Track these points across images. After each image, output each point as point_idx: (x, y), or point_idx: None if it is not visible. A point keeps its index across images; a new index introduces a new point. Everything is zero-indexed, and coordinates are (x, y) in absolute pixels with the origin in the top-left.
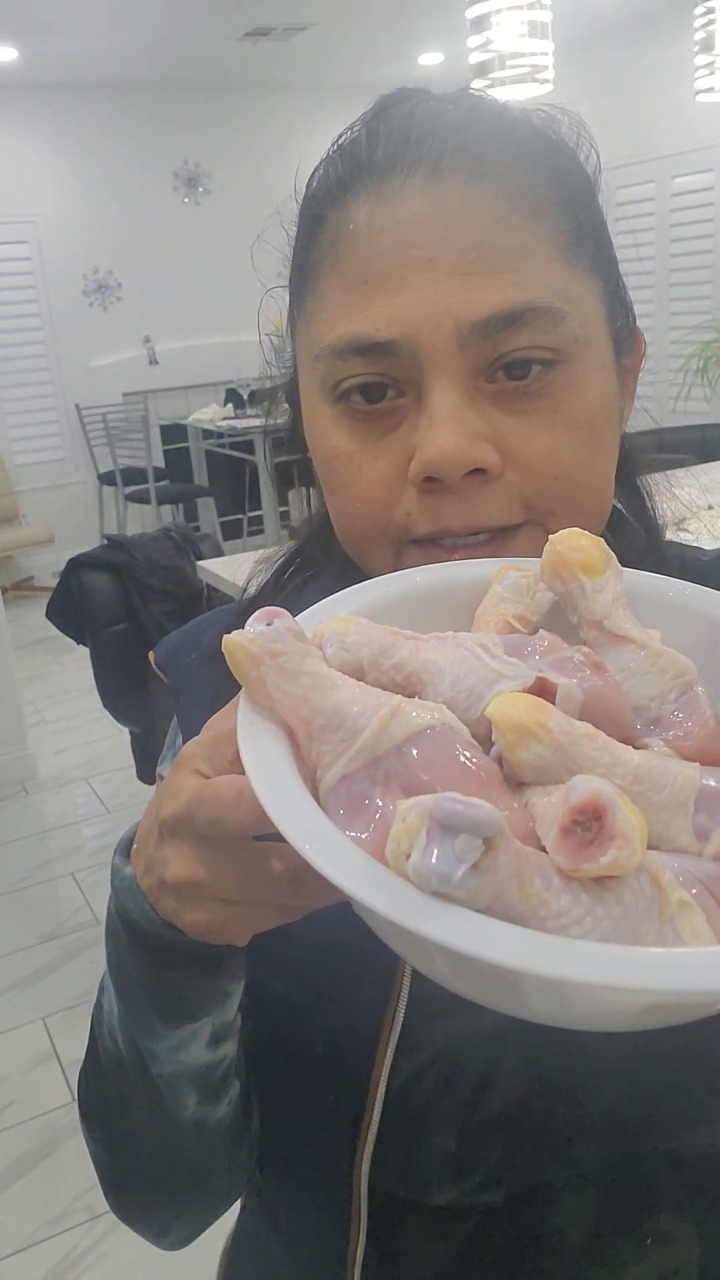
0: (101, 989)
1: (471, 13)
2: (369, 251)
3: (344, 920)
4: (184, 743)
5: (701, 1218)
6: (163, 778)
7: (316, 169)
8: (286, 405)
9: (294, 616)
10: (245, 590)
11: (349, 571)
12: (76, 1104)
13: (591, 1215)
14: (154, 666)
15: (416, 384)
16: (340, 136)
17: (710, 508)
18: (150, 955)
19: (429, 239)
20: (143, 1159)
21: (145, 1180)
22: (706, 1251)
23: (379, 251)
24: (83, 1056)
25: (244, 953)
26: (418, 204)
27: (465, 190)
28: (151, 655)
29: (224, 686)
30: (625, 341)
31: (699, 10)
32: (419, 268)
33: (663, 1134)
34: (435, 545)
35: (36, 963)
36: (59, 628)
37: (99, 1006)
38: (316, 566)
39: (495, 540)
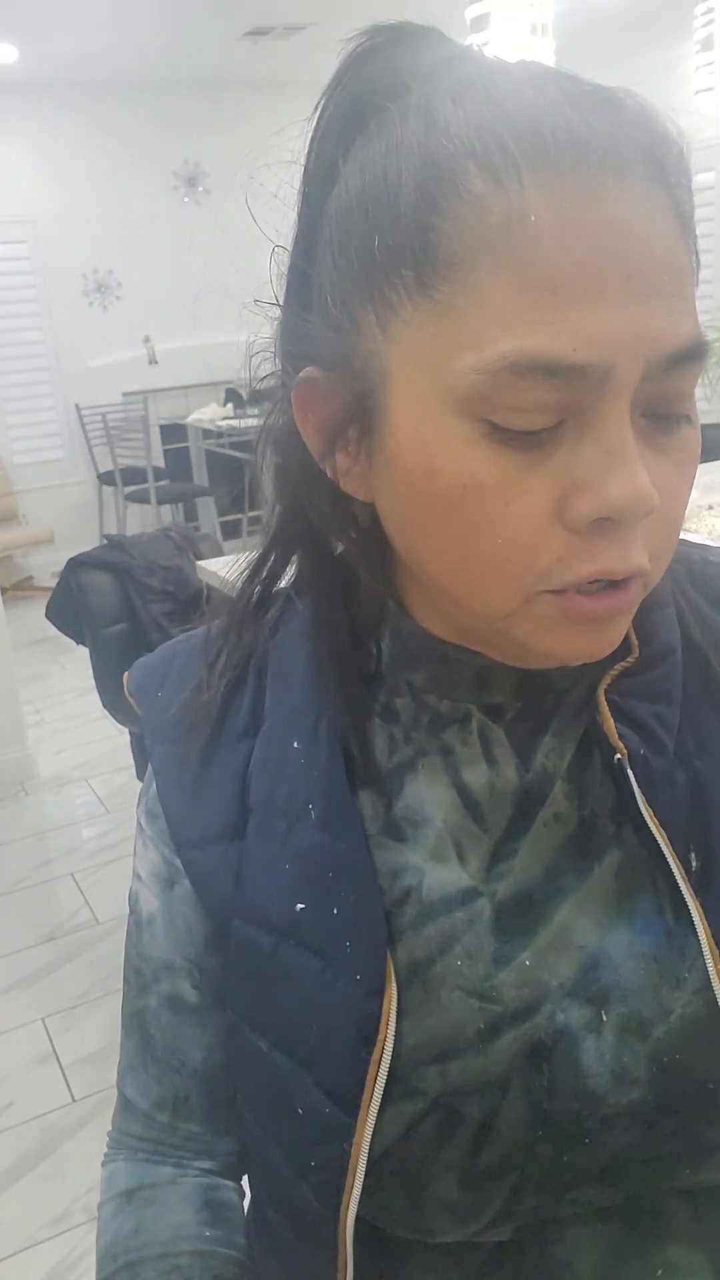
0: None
1: (471, 12)
2: (559, 253)
3: (318, 980)
4: (158, 790)
5: (713, 1248)
6: (139, 821)
7: (418, 93)
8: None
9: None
10: (206, 605)
11: (334, 590)
12: (102, 1205)
13: (601, 1248)
14: (128, 693)
15: (583, 410)
16: (445, 101)
17: (710, 508)
18: None
19: (628, 250)
20: None
21: None
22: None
23: (572, 256)
24: (81, 1055)
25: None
26: (612, 206)
27: (651, 199)
28: (125, 678)
29: (194, 733)
30: None
31: (699, 10)
32: (618, 282)
33: (673, 1174)
34: (574, 593)
35: (36, 963)
36: (58, 628)
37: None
38: (294, 584)
39: (622, 587)
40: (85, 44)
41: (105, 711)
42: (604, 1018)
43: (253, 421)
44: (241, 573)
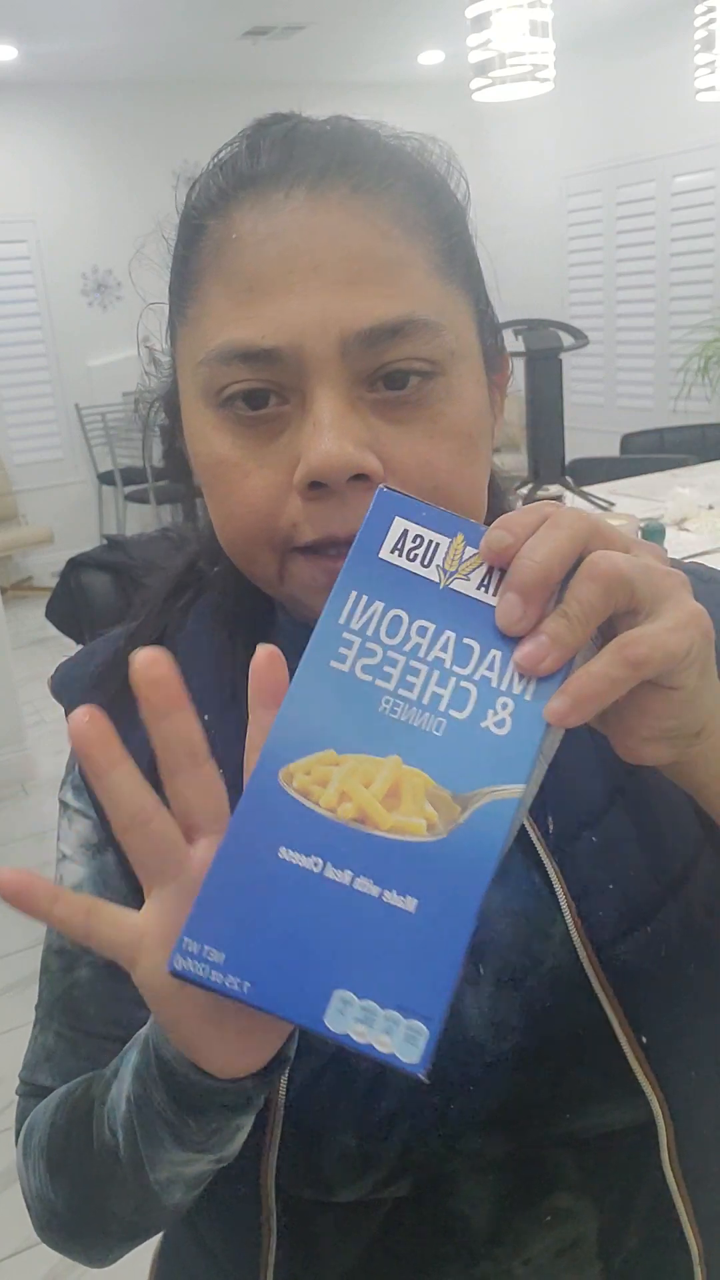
0: (114, 1074)
1: (471, 11)
2: (254, 259)
3: None
4: (79, 769)
5: (599, 1194)
6: (63, 803)
7: (196, 181)
8: (164, 415)
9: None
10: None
11: (236, 583)
12: (18, 1146)
13: (492, 1199)
14: (52, 693)
15: (300, 391)
16: (220, 151)
17: (711, 507)
18: (176, 1098)
19: (313, 248)
20: (108, 1226)
21: (101, 1234)
22: (605, 1222)
23: (264, 259)
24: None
25: (269, 1086)
26: (302, 214)
27: (347, 204)
28: (49, 682)
29: (110, 711)
30: (494, 360)
31: (699, 10)
32: (304, 276)
33: (556, 1120)
34: (320, 554)
35: (36, 964)
36: (58, 627)
37: (103, 1085)
38: (204, 581)
39: None
40: (85, 44)
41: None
42: (480, 971)
43: None
44: (169, 571)
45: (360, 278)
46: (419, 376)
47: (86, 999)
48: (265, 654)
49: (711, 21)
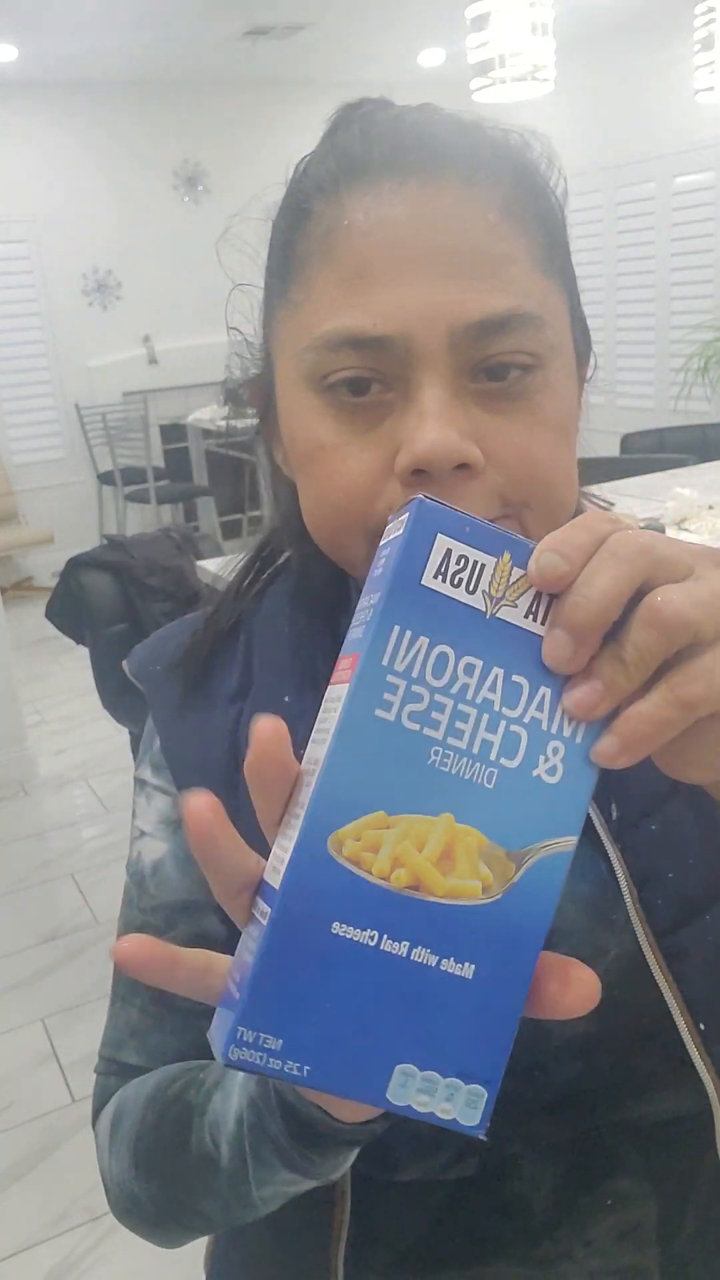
0: (216, 1085)
1: (472, 11)
2: (365, 247)
3: None
4: (160, 747)
5: (658, 1179)
6: (141, 781)
7: (302, 163)
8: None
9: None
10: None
11: (313, 567)
12: (100, 1125)
13: (553, 1182)
14: (129, 675)
15: (404, 380)
16: (329, 134)
17: (711, 507)
18: (296, 1135)
19: (425, 239)
20: (192, 1222)
21: (183, 1228)
22: (664, 1207)
23: (375, 247)
24: (80, 1055)
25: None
26: (414, 205)
27: (458, 196)
28: (125, 665)
29: (188, 693)
30: (584, 355)
31: (699, 10)
32: (415, 266)
33: (617, 1106)
34: None
35: (36, 963)
36: (58, 628)
37: (202, 1094)
38: (280, 564)
39: None
40: (85, 43)
41: (105, 711)
42: None
43: (252, 422)
44: (244, 557)
45: (469, 270)
46: (520, 370)
47: None
48: (271, 728)
49: (711, 21)
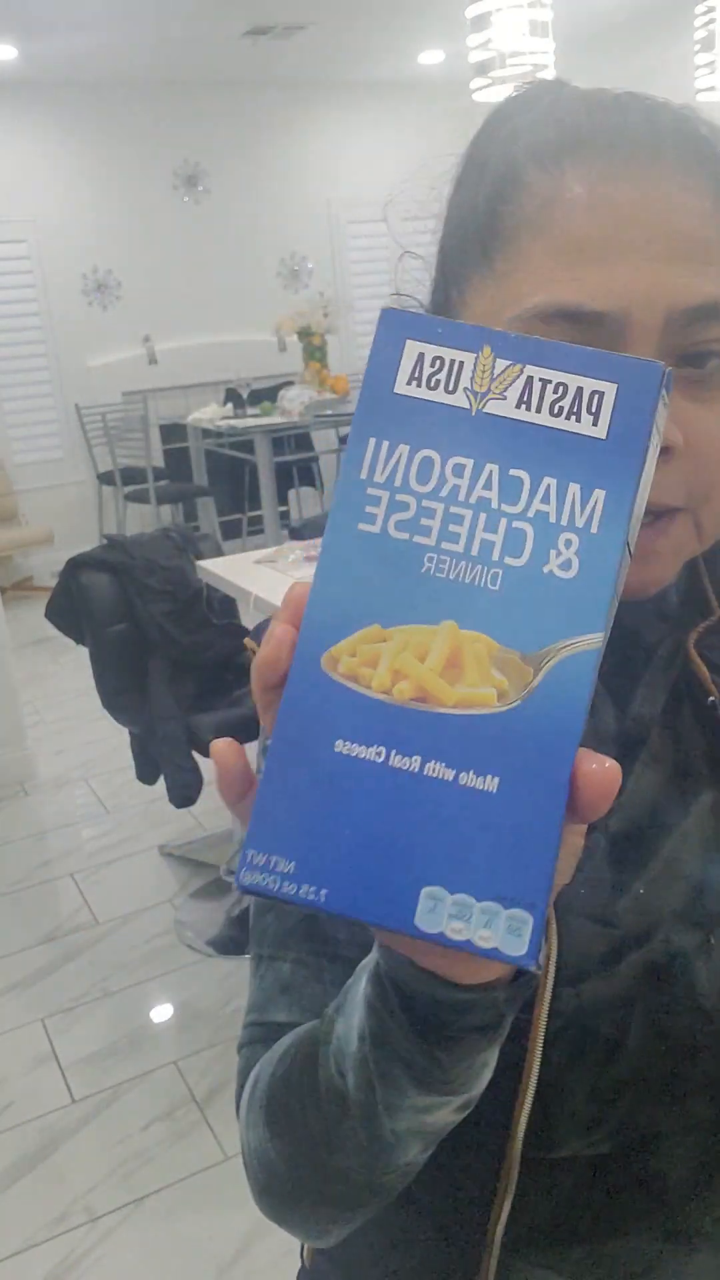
0: (337, 1011)
1: (472, 11)
2: (586, 222)
3: None
4: None
5: None
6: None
7: (506, 125)
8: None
9: None
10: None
11: None
12: (241, 1103)
13: (692, 1158)
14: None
15: None
16: (539, 100)
17: None
18: (420, 1029)
19: (646, 219)
20: (330, 1188)
21: (323, 1199)
22: None
23: (597, 223)
24: (80, 1055)
25: (521, 997)
26: (637, 185)
27: (680, 179)
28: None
29: None
30: None
31: (699, 10)
32: (635, 246)
33: None
34: None
35: (36, 963)
36: (58, 628)
37: (326, 1024)
38: None
39: (656, 523)
40: (85, 43)
41: (105, 712)
42: (711, 940)
43: (252, 421)
44: None
45: (687, 255)
46: (718, 358)
47: (330, 926)
48: (224, 746)
49: (711, 21)
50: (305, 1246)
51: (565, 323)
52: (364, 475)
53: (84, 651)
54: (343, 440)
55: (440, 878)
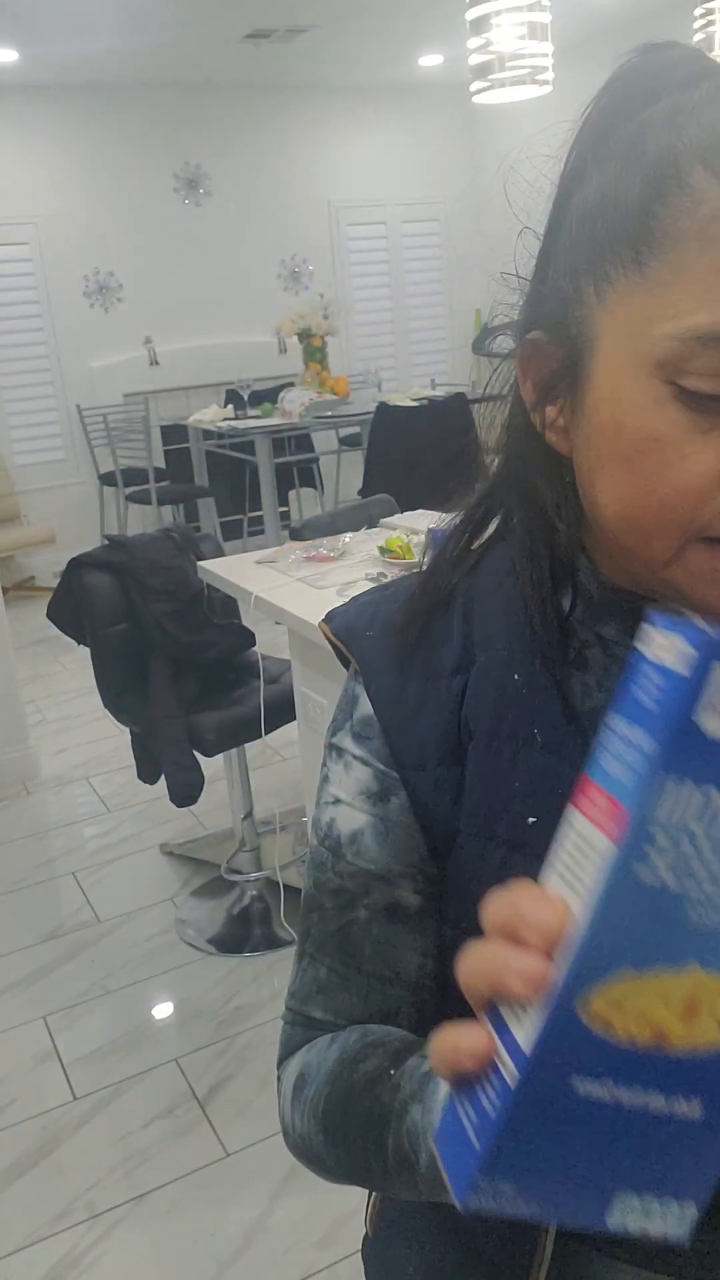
0: (415, 1095)
1: (471, 14)
2: None
3: None
4: (367, 716)
5: None
6: (339, 749)
7: (658, 103)
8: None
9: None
10: (422, 563)
11: (539, 541)
12: (284, 1074)
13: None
14: (330, 637)
15: None
16: (696, 78)
17: None
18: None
19: None
20: (374, 1187)
21: (361, 1186)
22: None
23: None
24: (82, 1053)
25: None
26: None
27: None
28: (325, 628)
29: (407, 665)
30: None
31: (699, 11)
32: None
33: None
34: None
35: (37, 962)
36: (60, 628)
37: (398, 1099)
38: (498, 531)
39: None
40: (87, 46)
41: (106, 711)
42: None
43: (253, 422)
44: (454, 519)
45: None
46: None
47: (362, 937)
48: (472, 1040)
49: (710, 24)
50: (370, 1215)
51: None
52: (653, 816)
53: (85, 651)
54: (343, 441)
55: (634, 1186)
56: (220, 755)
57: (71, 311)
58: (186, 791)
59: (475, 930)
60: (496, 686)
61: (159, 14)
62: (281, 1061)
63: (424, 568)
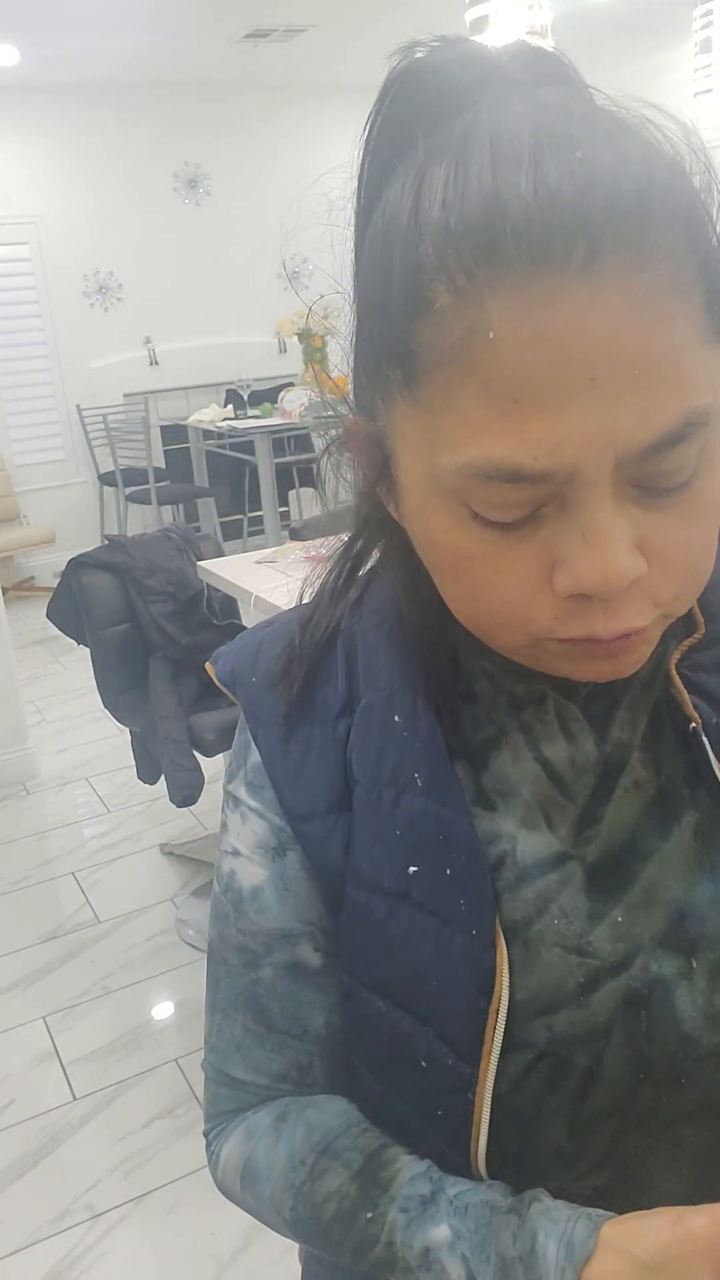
0: (423, 1230)
1: (471, 14)
2: (518, 366)
3: (436, 937)
4: (264, 766)
5: None
6: (235, 798)
7: (401, 204)
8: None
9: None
10: (301, 597)
11: (412, 594)
12: (223, 1152)
13: (686, 1189)
14: (218, 682)
15: (562, 497)
16: (435, 169)
17: None
18: None
19: (589, 355)
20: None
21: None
22: None
23: (532, 368)
24: (81, 1053)
25: None
26: (574, 310)
27: (626, 288)
28: (211, 669)
29: (292, 710)
30: None
31: (698, 11)
32: (580, 388)
33: None
34: (581, 642)
35: (37, 962)
36: (59, 628)
37: (402, 1231)
38: (378, 560)
39: (630, 638)
40: (87, 46)
41: (106, 711)
42: (694, 965)
43: (253, 422)
44: (332, 552)
45: (639, 382)
46: (680, 478)
47: (269, 997)
48: None
49: (709, 24)
50: (301, 1250)
51: (505, 482)
52: None
53: (85, 651)
54: None
55: None
56: (220, 755)
57: (71, 311)
58: (186, 791)
59: (371, 983)
60: (379, 729)
61: (159, 14)
62: (211, 1120)
63: (300, 601)
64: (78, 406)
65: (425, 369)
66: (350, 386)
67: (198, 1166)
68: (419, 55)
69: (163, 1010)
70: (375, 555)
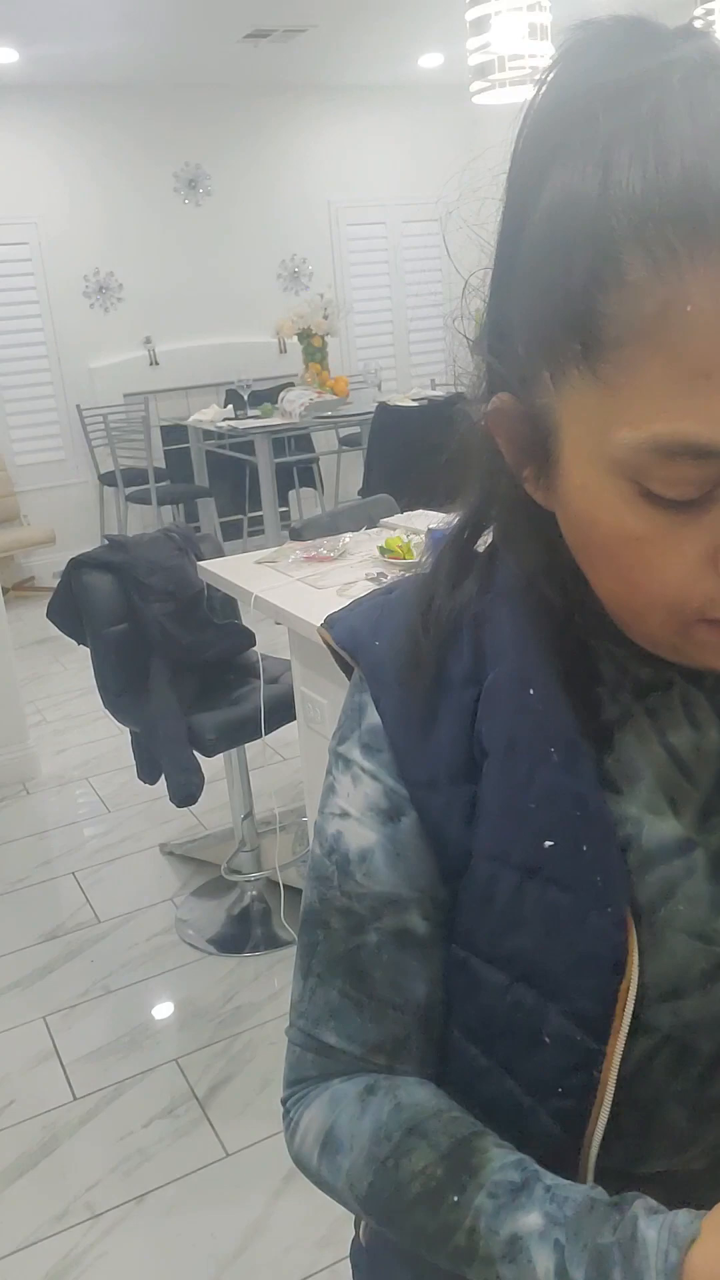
0: (508, 1227)
1: (471, 15)
2: (715, 341)
3: (570, 913)
4: (377, 726)
5: None
6: (346, 759)
7: (590, 151)
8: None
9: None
10: (422, 568)
11: (558, 550)
12: (303, 1119)
13: None
14: (331, 644)
15: None
16: (624, 143)
17: None
18: None
19: None
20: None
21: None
22: None
23: None
24: (82, 1053)
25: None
26: None
27: None
28: (325, 633)
29: (419, 671)
30: None
31: (699, 10)
32: None
33: None
34: None
35: (37, 962)
36: (59, 628)
37: (490, 1231)
38: (497, 538)
39: None
40: (87, 46)
41: (106, 711)
42: None
43: (253, 422)
44: (449, 527)
45: None
46: None
47: (372, 963)
48: None
49: (711, 23)
50: (363, 1225)
51: (690, 460)
52: None
53: (85, 651)
54: (343, 441)
55: None
56: (220, 755)
57: (71, 311)
58: (186, 791)
59: (492, 956)
60: (511, 701)
61: (159, 14)
62: (292, 1086)
63: (422, 569)
64: (78, 406)
65: (609, 342)
66: (483, 369)
67: (198, 1166)
68: (590, 33)
69: (163, 1010)
70: (488, 535)
